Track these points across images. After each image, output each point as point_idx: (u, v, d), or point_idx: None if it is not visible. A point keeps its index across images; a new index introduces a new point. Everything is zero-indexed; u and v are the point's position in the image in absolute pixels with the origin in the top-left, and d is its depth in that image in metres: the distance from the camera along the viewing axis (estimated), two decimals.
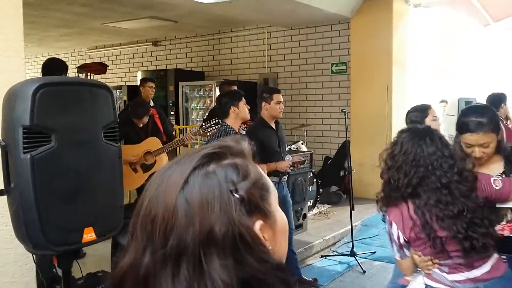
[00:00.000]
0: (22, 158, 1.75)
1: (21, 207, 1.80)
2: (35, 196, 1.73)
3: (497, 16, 8.53)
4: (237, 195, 0.66)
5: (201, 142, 7.13)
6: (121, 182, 1.98)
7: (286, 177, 3.95)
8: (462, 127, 2.21)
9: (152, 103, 5.82)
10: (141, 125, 4.51)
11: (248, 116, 3.45)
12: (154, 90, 5.79)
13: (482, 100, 8.60)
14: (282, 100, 3.84)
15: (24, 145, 1.75)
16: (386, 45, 6.77)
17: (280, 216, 0.74)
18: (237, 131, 3.38)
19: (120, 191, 2.01)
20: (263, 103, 3.79)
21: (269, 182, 0.74)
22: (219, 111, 3.45)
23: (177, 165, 0.69)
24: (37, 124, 1.75)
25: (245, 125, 4.76)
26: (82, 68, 7.85)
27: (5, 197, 1.88)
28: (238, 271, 0.62)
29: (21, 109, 1.73)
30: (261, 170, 0.74)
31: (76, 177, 1.87)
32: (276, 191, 0.76)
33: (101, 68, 8.05)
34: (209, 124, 4.29)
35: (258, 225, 0.67)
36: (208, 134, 4.38)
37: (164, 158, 4.47)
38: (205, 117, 6.59)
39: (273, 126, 3.89)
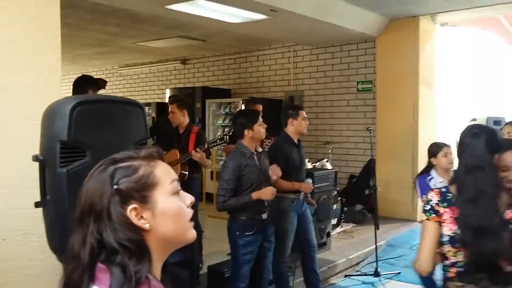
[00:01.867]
0: (59, 172, 1.84)
1: (56, 219, 1.89)
2: (70, 208, 1.82)
3: None
4: (115, 187, 0.96)
5: (216, 158, 7.20)
6: None
7: (303, 194, 3.98)
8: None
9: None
10: (182, 130, 4.75)
11: (263, 136, 3.46)
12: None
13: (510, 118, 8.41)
14: (306, 116, 3.95)
15: (61, 160, 1.84)
16: (413, 64, 6.76)
17: (165, 204, 0.99)
18: (253, 151, 3.38)
19: None
20: (290, 119, 3.88)
21: (160, 178, 1.00)
22: (236, 131, 3.46)
23: (97, 165, 1.03)
24: (74, 140, 1.84)
25: (269, 140, 4.82)
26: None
27: (38, 209, 1.98)
28: (102, 236, 0.94)
29: (59, 126, 1.83)
30: (160, 170, 1.01)
31: None
32: (174, 186, 1.02)
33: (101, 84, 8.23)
34: (213, 140, 4.50)
35: (129, 208, 0.96)
36: (214, 148, 4.50)
37: (176, 169, 4.61)
38: (221, 134, 6.69)
39: (296, 143, 3.96)
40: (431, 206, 1.93)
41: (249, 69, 9.18)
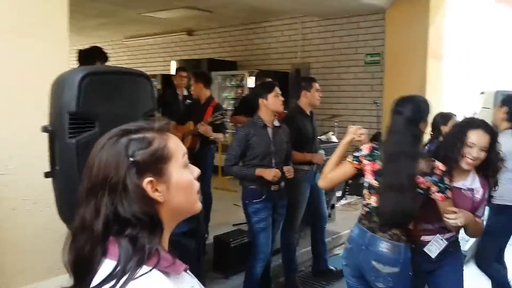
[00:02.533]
0: (68, 143, 1.85)
1: (65, 189, 1.92)
2: (80, 179, 1.83)
3: None
4: (131, 159, 0.95)
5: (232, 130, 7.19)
6: None
7: (316, 166, 4.01)
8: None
9: (185, 92, 5.97)
10: (203, 101, 4.84)
11: (280, 108, 3.40)
12: (186, 79, 5.95)
13: None
14: (319, 88, 3.97)
15: (70, 131, 1.85)
16: (422, 37, 6.64)
17: (178, 177, 1.01)
18: (267, 123, 3.37)
19: None
20: (303, 91, 3.90)
21: (174, 151, 1.01)
22: (252, 103, 3.49)
23: (107, 135, 1.02)
24: (83, 110, 1.85)
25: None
26: None
27: (47, 180, 2.00)
28: (116, 208, 0.93)
29: (68, 97, 1.84)
30: (173, 143, 1.01)
31: None
32: (185, 159, 1.03)
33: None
34: (215, 115, 4.57)
35: (146, 180, 0.96)
36: (218, 122, 4.54)
37: (186, 141, 4.69)
38: (236, 107, 6.68)
39: (309, 114, 3.98)
40: (358, 155, 2.39)
41: (256, 41, 9.07)
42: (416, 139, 2.31)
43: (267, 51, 8.90)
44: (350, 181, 6.40)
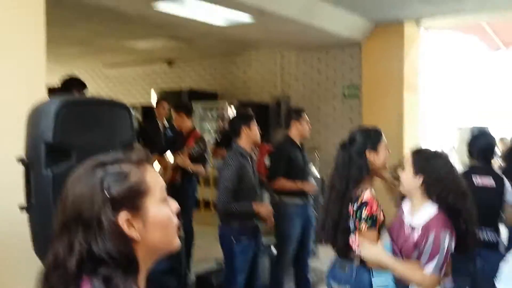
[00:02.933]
0: (44, 175, 1.81)
1: (41, 223, 1.85)
2: (56, 212, 1.78)
3: (507, 41, 8.59)
4: (106, 194, 0.91)
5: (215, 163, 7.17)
6: None
7: (311, 200, 4.03)
8: None
9: (167, 124, 5.96)
10: (186, 134, 4.82)
11: (259, 139, 3.41)
12: (168, 110, 5.95)
13: (494, 127, 8.57)
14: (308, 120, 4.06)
15: (46, 161, 1.81)
16: (398, 69, 6.82)
17: (155, 212, 0.96)
18: (249, 152, 3.36)
19: None
20: (294, 123, 3.96)
21: (151, 185, 0.97)
22: (231, 131, 3.44)
23: (82, 167, 0.98)
24: (59, 141, 1.81)
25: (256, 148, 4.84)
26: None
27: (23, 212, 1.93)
28: (90, 245, 0.89)
29: (44, 127, 1.80)
30: (151, 176, 0.97)
31: None
32: (163, 193, 0.99)
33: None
34: (193, 146, 4.53)
35: (121, 217, 0.91)
36: (195, 154, 4.53)
37: (166, 173, 4.66)
38: (217, 139, 6.67)
39: (299, 146, 4.03)
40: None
41: (236, 72, 9.16)
42: (353, 166, 2.33)
43: (247, 83, 8.98)
44: None
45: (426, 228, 2.05)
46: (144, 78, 10.95)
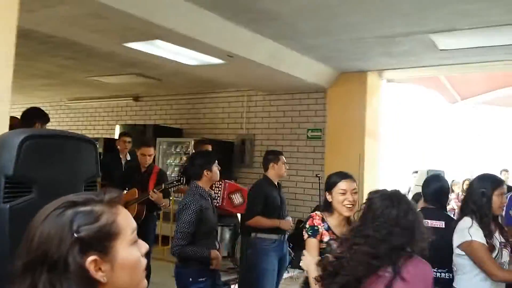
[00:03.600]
0: (1, 208, 1.75)
1: None
2: (11, 248, 1.72)
3: (464, 95, 9.10)
4: (75, 235, 0.89)
5: (175, 198, 7.09)
6: None
7: (286, 236, 4.14)
8: None
9: (128, 157, 5.88)
10: (144, 169, 4.74)
11: (218, 178, 3.45)
12: (129, 144, 5.91)
13: (450, 172, 8.94)
14: (285, 161, 4.20)
15: (5, 195, 1.75)
16: (360, 116, 7.07)
17: (125, 255, 0.94)
18: (208, 191, 3.38)
19: None
20: (271, 164, 4.13)
21: (122, 227, 0.95)
22: (191, 172, 3.40)
23: (51, 205, 0.95)
24: (20, 174, 1.77)
25: (220, 183, 4.89)
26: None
27: None
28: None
29: (5, 159, 1.76)
30: (122, 218, 0.96)
31: None
32: (134, 235, 0.98)
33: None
34: (171, 181, 4.59)
35: (89, 259, 0.89)
36: (172, 191, 4.56)
37: (132, 209, 4.57)
38: (178, 175, 6.63)
39: (277, 186, 4.16)
40: None
41: (203, 110, 9.23)
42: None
43: (213, 121, 9.05)
44: (293, 253, 6.38)
45: None
46: (108, 112, 10.84)
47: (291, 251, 4.54)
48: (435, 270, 2.78)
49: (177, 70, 6.85)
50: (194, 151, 6.36)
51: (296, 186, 7.82)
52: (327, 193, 2.72)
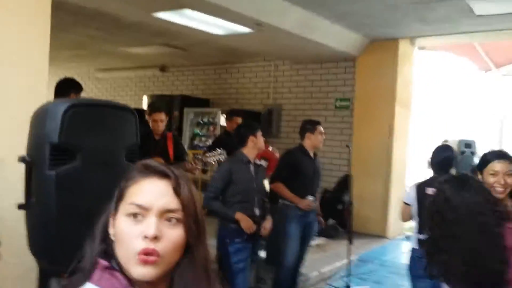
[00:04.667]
0: (48, 174, 1.80)
1: (41, 223, 1.85)
2: (58, 212, 1.78)
3: (498, 62, 8.78)
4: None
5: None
6: None
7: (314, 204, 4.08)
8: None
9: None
10: (158, 137, 4.57)
11: (263, 146, 3.55)
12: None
13: (481, 142, 8.74)
14: (324, 132, 4.14)
15: (50, 162, 1.81)
16: (391, 85, 6.93)
17: (117, 222, 0.93)
18: (251, 160, 3.44)
19: None
20: (307, 134, 4.09)
21: (127, 194, 0.94)
22: (237, 140, 3.53)
23: None
24: (65, 142, 1.82)
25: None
26: None
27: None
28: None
29: (50, 127, 1.80)
30: (137, 188, 0.93)
31: (96, 196, 1.92)
32: (134, 208, 0.91)
33: None
34: (213, 152, 4.41)
35: (111, 213, 0.96)
36: (213, 162, 4.51)
37: None
38: (210, 145, 6.67)
39: (312, 156, 4.10)
40: None
41: (229, 80, 9.20)
42: None
43: (240, 91, 9.03)
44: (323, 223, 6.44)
45: None
46: (136, 83, 10.93)
47: (321, 220, 4.53)
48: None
49: (204, 40, 6.81)
50: (225, 123, 6.33)
51: (324, 156, 7.77)
52: (478, 173, 2.43)
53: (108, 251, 0.93)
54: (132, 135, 2.04)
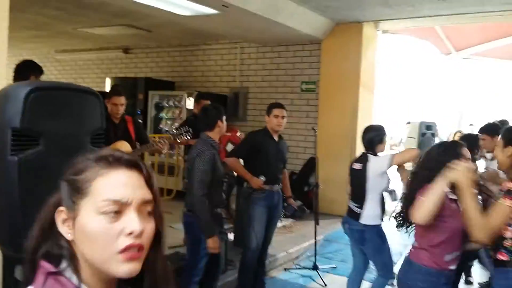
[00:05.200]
0: (9, 160, 1.75)
1: (4, 210, 1.80)
2: (21, 199, 1.74)
3: (458, 46, 9.04)
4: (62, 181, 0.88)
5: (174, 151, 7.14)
6: None
7: (279, 186, 4.10)
8: None
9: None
10: (117, 120, 4.48)
11: (225, 131, 3.54)
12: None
13: (441, 124, 9.04)
14: (282, 115, 4.05)
15: (12, 147, 1.75)
16: (355, 68, 7.03)
17: (84, 220, 0.84)
18: (218, 146, 3.42)
19: None
20: (265, 116, 4.08)
21: (94, 190, 0.85)
22: (203, 123, 3.44)
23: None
24: (27, 127, 1.76)
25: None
26: None
27: None
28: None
29: (11, 112, 1.74)
30: (100, 180, 0.86)
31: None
32: (105, 203, 0.84)
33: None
34: (179, 131, 4.38)
35: (59, 209, 0.88)
36: (179, 141, 4.49)
37: None
38: (177, 127, 6.60)
39: (276, 138, 4.08)
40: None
41: (195, 62, 9.09)
42: None
43: (205, 73, 8.94)
44: (285, 204, 6.53)
45: None
46: (98, 65, 10.64)
47: (293, 201, 4.58)
48: (354, 204, 3.58)
49: (168, 21, 6.68)
50: (194, 106, 6.25)
51: (290, 139, 7.85)
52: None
53: (52, 252, 0.86)
54: (97, 119, 1.99)
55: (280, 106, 4.13)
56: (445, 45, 8.73)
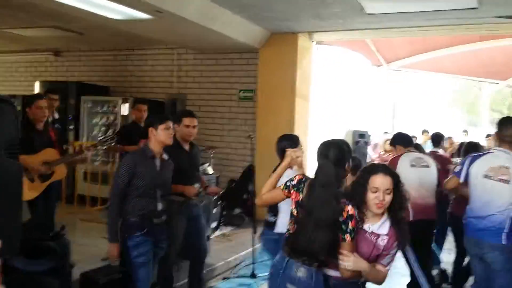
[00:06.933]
0: None
1: None
2: None
3: (388, 58, 9.50)
4: None
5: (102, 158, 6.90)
6: (21, 201, 1.87)
7: (198, 198, 4.01)
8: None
9: (57, 115, 5.60)
10: (41, 128, 4.29)
11: (167, 142, 3.32)
12: (58, 102, 5.61)
13: (375, 132, 9.41)
14: (193, 124, 3.87)
15: None
16: (291, 78, 7.15)
17: None
18: (156, 155, 3.30)
19: (20, 212, 1.89)
20: (175, 125, 3.82)
21: None
22: (142, 133, 3.51)
23: None
24: None
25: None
26: None
27: None
28: None
29: None
30: None
31: None
32: None
33: None
34: (105, 138, 4.28)
35: None
36: (104, 148, 4.39)
37: (63, 169, 4.40)
38: (115, 133, 6.40)
39: (187, 148, 3.92)
40: (289, 185, 2.51)
41: (130, 67, 8.86)
42: (339, 180, 2.42)
43: (142, 79, 8.73)
44: (225, 212, 6.48)
45: (390, 238, 2.38)
46: (26, 67, 10.09)
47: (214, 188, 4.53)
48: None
49: (101, 24, 6.45)
50: (131, 112, 6.10)
51: (229, 146, 7.86)
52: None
53: None
54: (11, 129, 1.86)
55: (191, 115, 3.94)
56: (376, 58, 9.13)
